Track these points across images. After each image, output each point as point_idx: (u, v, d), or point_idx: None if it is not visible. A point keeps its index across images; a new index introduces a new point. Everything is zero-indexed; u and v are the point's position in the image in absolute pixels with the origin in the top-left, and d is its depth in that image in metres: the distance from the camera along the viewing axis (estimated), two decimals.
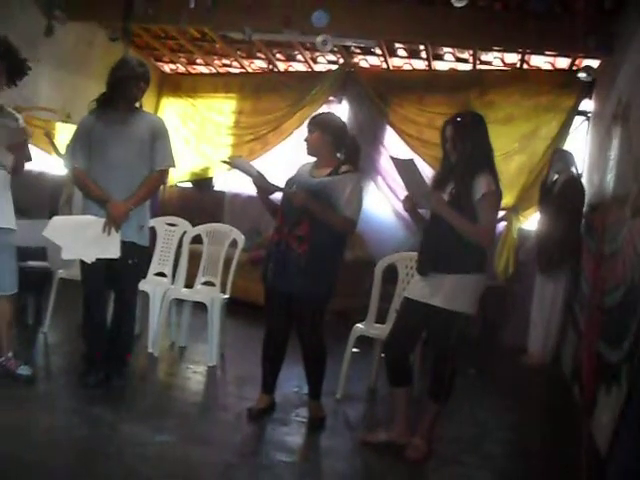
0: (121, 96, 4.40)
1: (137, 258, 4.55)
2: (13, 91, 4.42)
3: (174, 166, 4.62)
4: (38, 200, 7.24)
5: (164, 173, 4.63)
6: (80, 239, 4.37)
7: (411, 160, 3.91)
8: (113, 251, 4.35)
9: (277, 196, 4.27)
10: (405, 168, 3.91)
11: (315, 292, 4.12)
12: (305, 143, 4.26)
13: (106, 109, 4.44)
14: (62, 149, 5.26)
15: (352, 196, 4.08)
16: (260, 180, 4.24)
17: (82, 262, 4.42)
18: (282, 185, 4.24)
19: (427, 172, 5.63)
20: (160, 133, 4.50)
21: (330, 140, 4.19)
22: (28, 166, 4.52)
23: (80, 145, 4.43)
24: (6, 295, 4.38)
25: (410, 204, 3.96)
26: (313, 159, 4.28)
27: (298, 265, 4.04)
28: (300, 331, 4.22)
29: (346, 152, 4.26)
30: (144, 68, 4.49)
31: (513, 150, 7.35)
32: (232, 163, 4.53)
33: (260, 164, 7.78)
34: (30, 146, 4.55)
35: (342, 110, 8.43)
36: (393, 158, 4.01)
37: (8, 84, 4.32)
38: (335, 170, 4.17)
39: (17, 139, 4.34)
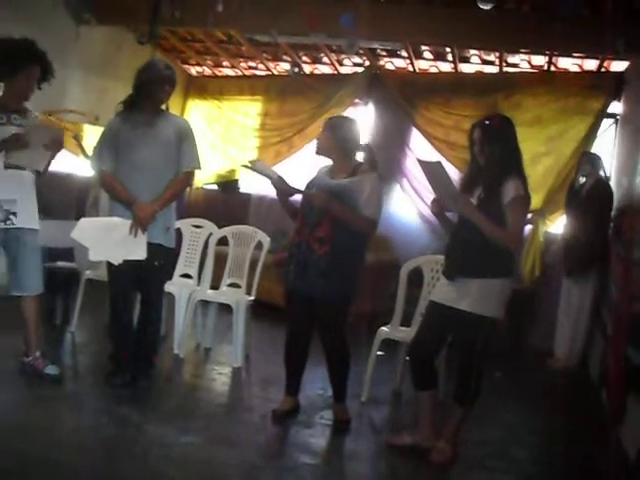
0: (147, 98, 4.41)
1: (163, 260, 4.57)
2: (43, 94, 4.46)
3: (200, 168, 4.64)
4: (65, 201, 7.31)
5: (190, 175, 4.66)
6: (107, 241, 4.40)
7: (438, 163, 3.88)
8: (139, 253, 4.37)
9: (298, 198, 4.28)
10: (432, 171, 3.89)
11: (336, 293, 4.11)
12: (316, 141, 4.28)
13: (132, 111, 4.45)
14: (90, 151, 5.30)
15: (372, 196, 4.07)
16: (279, 183, 4.26)
17: (109, 263, 4.45)
18: (302, 187, 4.24)
19: (454, 175, 5.60)
20: (186, 135, 4.52)
21: (338, 145, 4.17)
22: (56, 168, 4.56)
23: (107, 147, 4.45)
24: (32, 295, 4.42)
25: (438, 207, 3.93)
26: (330, 162, 4.27)
27: (319, 267, 4.04)
28: (322, 333, 4.21)
29: (364, 158, 4.26)
30: (170, 71, 4.51)
31: (540, 153, 7.28)
32: (252, 167, 4.54)
33: (286, 167, 7.82)
34: None
35: (368, 113, 8.41)
36: (420, 161, 3.98)
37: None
38: (353, 172, 4.16)
39: (54, 135, 4.39)
